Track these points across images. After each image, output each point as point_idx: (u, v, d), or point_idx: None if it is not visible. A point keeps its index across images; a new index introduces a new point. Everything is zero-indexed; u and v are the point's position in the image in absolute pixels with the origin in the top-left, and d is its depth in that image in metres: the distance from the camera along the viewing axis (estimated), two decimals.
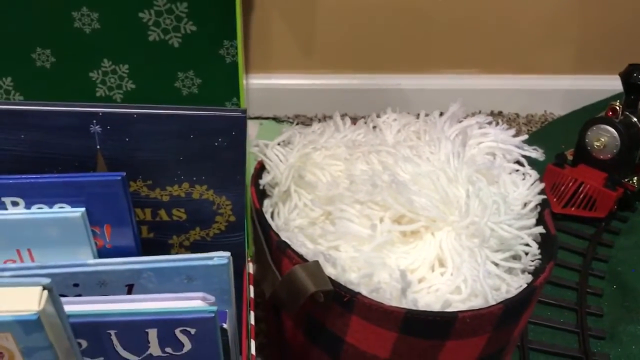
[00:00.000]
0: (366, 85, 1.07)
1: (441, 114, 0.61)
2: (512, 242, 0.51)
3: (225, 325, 0.41)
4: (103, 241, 0.44)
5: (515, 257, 0.52)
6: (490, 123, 0.61)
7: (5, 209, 0.42)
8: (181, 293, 0.40)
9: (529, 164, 0.58)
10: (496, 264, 0.50)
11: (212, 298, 0.40)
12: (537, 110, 1.12)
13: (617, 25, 1.06)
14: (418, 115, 0.62)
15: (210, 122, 0.43)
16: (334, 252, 0.50)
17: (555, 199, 0.85)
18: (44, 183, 0.41)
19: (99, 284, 0.40)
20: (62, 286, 0.40)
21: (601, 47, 1.08)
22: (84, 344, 0.37)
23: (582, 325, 0.69)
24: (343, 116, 0.63)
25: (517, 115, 1.11)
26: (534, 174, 0.56)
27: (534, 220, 0.54)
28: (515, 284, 0.49)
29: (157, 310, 0.37)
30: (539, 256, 0.52)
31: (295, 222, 0.54)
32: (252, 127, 1.00)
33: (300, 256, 0.48)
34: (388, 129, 0.61)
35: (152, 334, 0.37)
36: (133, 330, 0.37)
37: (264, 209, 0.56)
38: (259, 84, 1.05)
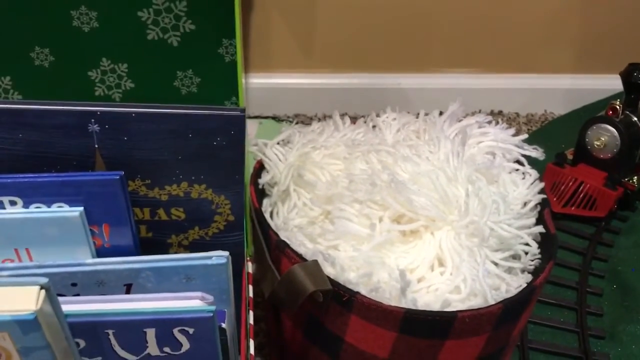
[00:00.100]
0: (366, 85, 1.06)
1: (441, 114, 0.61)
2: (512, 241, 0.51)
3: (223, 325, 0.41)
4: (101, 240, 0.44)
5: (515, 257, 0.52)
6: (490, 122, 0.61)
7: (4, 208, 0.42)
8: (180, 292, 0.40)
9: (529, 164, 0.58)
10: (496, 264, 0.50)
11: (210, 297, 0.40)
12: (537, 109, 1.12)
13: (617, 25, 1.06)
14: (418, 115, 0.62)
15: (208, 121, 0.43)
16: (333, 251, 0.50)
17: (555, 199, 0.85)
18: (42, 182, 0.41)
19: (97, 284, 0.40)
20: (60, 286, 0.40)
21: (601, 46, 1.08)
22: (82, 343, 0.37)
23: (582, 324, 0.68)
24: (343, 115, 0.63)
25: (517, 114, 1.11)
26: (533, 173, 0.56)
27: (533, 220, 0.53)
28: (514, 283, 0.49)
29: (155, 309, 0.37)
30: (539, 256, 0.52)
31: (294, 221, 0.54)
32: (252, 127, 1.00)
33: (300, 255, 0.48)
34: (387, 129, 0.61)
35: (151, 333, 0.37)
36: (131, 329, 0.37)
37: (263, 209, 0.56)
38: (259, 83, 1.05)
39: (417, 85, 1.07)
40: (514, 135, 0.59)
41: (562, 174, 0.86)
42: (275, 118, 1.06)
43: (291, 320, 0.52)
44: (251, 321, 0.50)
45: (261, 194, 0.58)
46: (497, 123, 0.61)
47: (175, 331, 0.37)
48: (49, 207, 0.42)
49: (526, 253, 0.52)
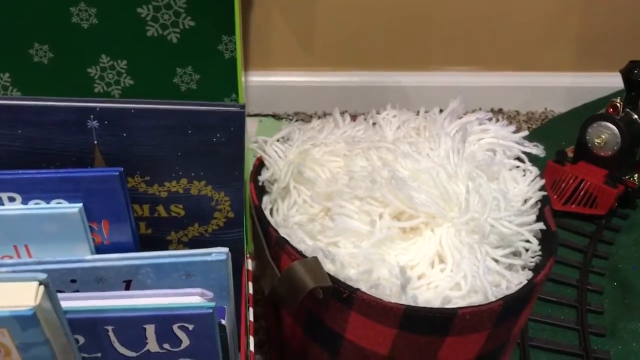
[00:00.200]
0: (366, 83, 1.06)
1: (441, 111, 0.61)
2: (512, 238, 0.51)
3: (223, 322, 0.41)
4: (101, 237, 0.44)
5: (516, 254, 0.52)
6: (490, 119, 0.61)
7: (3, 204, 0.42)
8: (179, 289, 0.39)
9: (530, 161, 0.58)
10: (496, 261, 0.50)
11: (210, 294, 0.39)
12: (538, 107, 1.12)
13: (617, 23, 1.06)
14: (418, 112, 0.62)
15: (208, 117, 0.43)
16: (333, 248, 0.50)
17: (555, 196, 0.85)
18: (41, 178, 0.41)
19: (97, 280, 0.40)
20: (59, 282, 0.39)
21: (601, 44, 1.08)
22: (81, 340, 0.37)
23: (583, 322, 0.68)
24: (342, 113, 0.62)
25: (518, 112, 1.11)
26: (534, 170, 0.56)
27: (534, 217, 0.53)
28: (515, 280, 0.49)
29: (154, 306, 0.37)
30: (539, 252, 0.52)
31: (294, 218, 0.54)
32: (251, 125, 1.00)
33: (299, 252, 0.48)
34: (388, 126, 0.61)
35: (150, 330, 0.37)
36: (131, 326, 0.36)
37: (263, 206, 0.56)
38: (259, 81, 1.05)
39: (417, 84, 1.07)
40: (515, 132, 0.59)
41: (563, 171, 0.86)
42: (275, 116, 1.06)
43: (291, 317, 0.52)
44: (251, 318, 0.49)
45: (261, 191, 0.57)
46: (498, 120, 0.61)
47: (175, 327, 0.37)
48: (48, 203, 0.42)
49: (527, 250, 0.52)
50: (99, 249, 0.44)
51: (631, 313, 0.70)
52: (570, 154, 0.88)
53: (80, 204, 0.42)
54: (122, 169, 0.42)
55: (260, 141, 0.59)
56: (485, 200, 0.50)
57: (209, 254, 0.41)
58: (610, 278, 0.75)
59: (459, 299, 0.46)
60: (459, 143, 0.55)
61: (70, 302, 0.37)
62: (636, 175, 0.86)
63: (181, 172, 0.45)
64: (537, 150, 0.58)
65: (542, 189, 0.55)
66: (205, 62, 0.58)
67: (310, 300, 0.46)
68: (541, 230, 0.53)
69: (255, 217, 0.54)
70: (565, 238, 0.81)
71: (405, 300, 0.45)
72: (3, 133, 0.42)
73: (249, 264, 0.54)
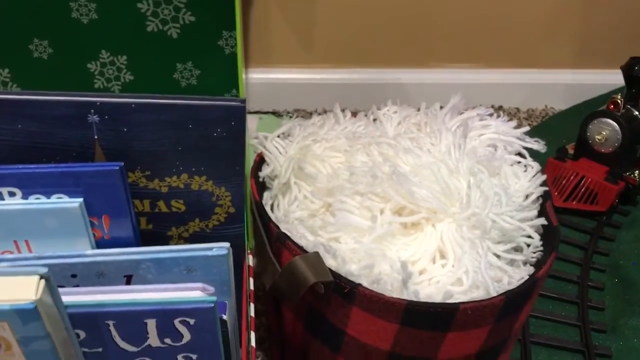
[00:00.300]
0: (366, 80, 1.06)
1: (441, 107, 0.61)
2: (514, 233, 0.51)
3: (224, 317, 0.41)
4: (101, 232, 0.44)
5: (517, 249, 0.52)
6: (491, 115, 0.60)
7: (3, 199, 0.41)
8: (180, 284, 0.39)
9: (530, 157, 0.57)
10: (498, 256, 0.50)
11: (211, 289, 0.39)
12: (538, 104, 1.12)
13: (618, 19, 1.05)
14: (419, 109, 0.62)
15: (209, 112, 0.43)
16: (334, 243, 0.49)
17: (556, 193, 0.85)
18: (42, 173, 0.41)
19: (97, 275, 0.40)
20: (60, 277, 0.39)
21: (602, 41, 1.08)
22: (82, 334, 0.37)
23: (584, 318, 0.68)
24: (343, 110, 0.62)
25: (518, 109, 1.11)
26: (535, 166, 0.56)
27: (535, 212, 0.53)
28: (517, 275, 0.49)
29: (156, 300, 0.36)
30: (541, 248, 0.51)
31: (295, 214, 0.54)
32: (252, 122, 1.00)
33: (301, 248, 0.48)
34: (388, 121, 0.60)
35: (151, 324, 0.36)
36: (132, 320, 0.36)
37: (263, 201, 0.56)
38: (259, 78, 1.05)
39: (417, 81, 1.07)
40: (516, 127, 0.59)
41: (564, 168, 0.86)
42: (275, 113, 1.06)
43: (292, 313, 0.52)
44: (252, 313, 0.49)
45: (262, 187, 0.57)
46: (499, 116, 0.60)
47: (176, 322, 0.37)
48: (48, 198, 0.42)
49: (528, 245, 0.51)
50: (100, 244, 0.44)
51: (632, 309, 0.70)
52: (571, 151, 0.88)
53: (81, 199, 0.42)
54: (123, 163, 0.42)
55: (261, 137, 0.59)
56: (486, 195, 0.50)
57: (210, 248, 0.40)
58: (611, 274, 0.75)
59: (460, 294, 0.46)
60: (460, 138, 0.55)
61: (71, 296, 0.37)
62: (637, 171, 0.86)
63: (182, 167, 0.45)
64: (538, 145, 0.58)
65: (543, 184, 0.55)
66: (206, 57, 0.58)
67: (312, 295, 0.46)
68: (542, 225, 0.53)
69: (256, 213, 0.54)
70: (566, 234, 0.81)
71: (406, 296, 0.45)
72: (3, 127, 0.42)
73: (250, 260, 0.53)
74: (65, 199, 0.42)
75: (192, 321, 0.37)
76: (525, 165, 0.57)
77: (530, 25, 1.05)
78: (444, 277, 0.47)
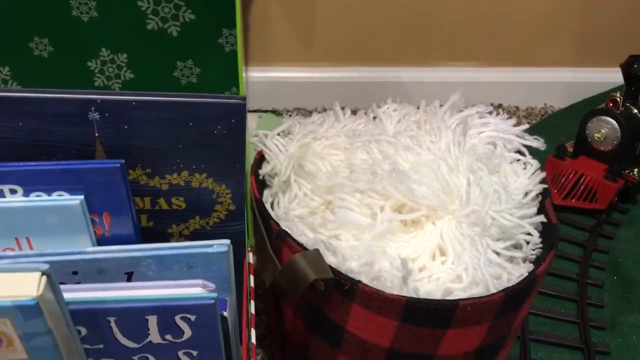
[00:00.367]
0: (366, 78, 1.06)
1: (441, 105, 0.61)
2: (513, 230, 0.51)
3: (225, 314, 0.41)
4: (102, 230, 0.44)
5: (517, 246, 0.52)
6: (490, 113, 0.61)
7: (4, 197, 0.42)
8: (181, 280, 0.39)
9: (530, 155, 0.58)
10: (497, 253, 0.50)
11: (212, 285, 0.39)
12: (537, 103, 1.12)
13: (617, 18, 1.06)
14: (418, 107, 0.62)
15: (209, 109, 0.43)
16: (334, 240, 0.50)
17: (555, 191, 0.85)
18: (43, 170, 0.41)
19: (98, 272, 0.40)
20: (61, 274, 0.39)
21: (601, 39, 1.08)
22: (83, 331, 0.37)
23: (583, 316, 0.68)
24: (343, 108, 0.62)
25: (517, 108, 1.11)
26: (534, 164, 0.56)
27: (535, 209, 0.53)
28: (516, 272, 0.49)
29: (156, 296, 0.37)
30: (540, 245, 0.52)
31: (295, 211, 0.54)
32: (251, 120, 1.00)
33: (301, 245, 0.48)
34: (388, 119, 0.61)
35: (152, 320, 0.37)
36: (133, 317, 0.36)
37: (264, 199, 0.56)
38: (259, 77, 1.05)
39: (417, 79, 1.07)
40: (515, 125, 0.59)
41: (563, 166, 0.86)
42: (275, 112, 1.06)
43: (292, 310, 0.52)
44: (252, 311, 0.49)
45: (262, 184, 0.57)
46: (498, 114, 0.61)
47: (177, 318, 0.37)
48: (49, 195, 0.42)
49: (527, 242, 0.52)
50: (100, 242, 0.44)
51: (631, 307, 0.70)
52: (570, 149, 0.89)
53: (82, 196, 0.42)
54: (123, 161, 0.42)
55: (261, 135, 0.59)
56: (486, 192, 0.50)
57: (211, 245, 0.41)
58: (610, 272, 0.75)
59: (460, 291, 0.46)
60: (460, 136, 0.55)
61: (72, 293, 0.37)
62: (636, 169, 0.86)
63: (182, 164, 0.45)
64: (537, 143, 0.58)
65: (542, 181, 0.55)
66: (206, 55, 0.58)
67: (312, 292, 0.46)
68: (542, 222, 0.53)
69: (256, 211, 0.54)
70: (566, 232, 0.81)
71: (406, 293, 0.45)
72: (4, 125, 0.42)
73: (250, 257, 0.54)
74: (66, 196, 0.42)
75: (192, 317, 0.37)
76: (524, 163, 0.57)
77: (530, 24, 1.05)
78: (443, 274, 0.47)
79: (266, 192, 0.57)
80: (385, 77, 1.07)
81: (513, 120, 0.60)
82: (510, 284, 0.47)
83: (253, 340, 0.47)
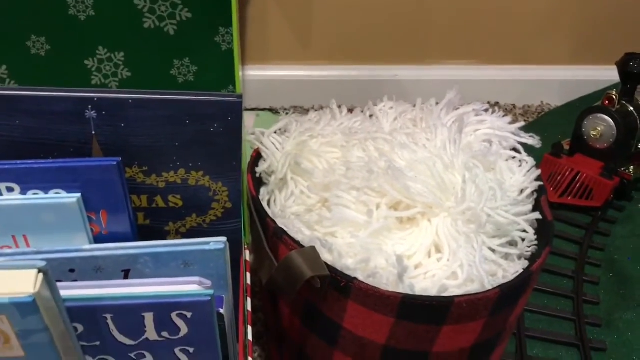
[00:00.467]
0: (363, 77, 1.06)
1: (437, 103, 0.61)
2: (509, 228, 0.51)
3: (222, 311, 0.41)
4: (99, 227, 0.44)
5: (512, 243, 0.52)
6: (486, 110, 0.61)
7: (1, 194, 0.42)
8: (178, 278, 0.40)
9: (526, 153, 0.58)
10: (492, 250, 0.50)
11: (208, 282, 0.40)
12: (534, 101, 1.12)
13: (613, 16, 1.06)
14: (415, 105, 0.62)
15: (205, 107, 0.43)
16: (331, 238, 0.50)
17: (551, 188, 0.85)
18: (40, 168, 0.41)
19: (95, 270, 0.40)
20: (58, 272, 0.40)
21: (598, 37, 1.08)
22: (80, 328, 0.37)
23: (579, 312, 0.69)
24: (339, 106, 0.63)
25: (514, 106, 1.11)
26: (530, 161, 0.56)
27: (530, 207, 0.54)
28: (511, 269, 0.49)
29: (153, 293, 0.37)
30: (535, 242, 0.52)
31: (291, 209, 0.54)
32: (249, 119, 1.00)
33: (297, 242, 0.48)
34: (385, 117, 0.61)
35: (149, 318, 0.37)
36: (129, 314, 0.37)
37: (260, 197, 0.56)
38: (256, 75, 1.05)
39: (413, 77, 1.07)
40: (511, 123, 0.59)
41: (559, 164, 0.86)
42: (272, 110, 1.06)
43: (289, 307, 0.53)
44: (249, 308, 0.50)
45: (258, 182, 0.58)
46: (494, 112, 0.61)
47: (174, 315, 0.37)
48: (46, 193, 0.42)
49: (523, 239, 0.52)
50: (97, 239, 0.44)
51: (627, 303, 0.70)
52: (566, 147, 0.89)
53: (79, 194, 0.42)
54: (120, 159, 0.42)
55: (258, 133, 0.59)
56: (481, 190, 0.51)
57: (207, 243, 0.41)
58: (606, 269, 0.76)
59: (455, 288, 0.46)
60: (456, 134, 0.56)
61: (69, 290, 0.37)
62: (632, 167, 0.86)
63: (179, 162, 0.45)
64: (533, 140, 0.58)
65: (538, 179, 0.55)
66: (203, 54, 0.58)
67: (308, 290, 0.47)
68: (537, 220, 0.53)
69: (253, 208, 0.54)
70: (562, 230, 0.81)
71: (402, 289, 0.45)
72: (1, 123, 0.42)
73: (247, 255, 0.54)
74: (63, 194, 0.42)
75: (189, 315, 0.37)
76: (520, 160, 0.57)
77: (526, 21, 1.05)
78: (439, 271, 0.48)
79: (263, 190, 0.57)
80: (382, 75, 1.07)
81: (509, 118, 0.60)
82: (505, 281, 0.47)
83: (250, 337, 0.48)
